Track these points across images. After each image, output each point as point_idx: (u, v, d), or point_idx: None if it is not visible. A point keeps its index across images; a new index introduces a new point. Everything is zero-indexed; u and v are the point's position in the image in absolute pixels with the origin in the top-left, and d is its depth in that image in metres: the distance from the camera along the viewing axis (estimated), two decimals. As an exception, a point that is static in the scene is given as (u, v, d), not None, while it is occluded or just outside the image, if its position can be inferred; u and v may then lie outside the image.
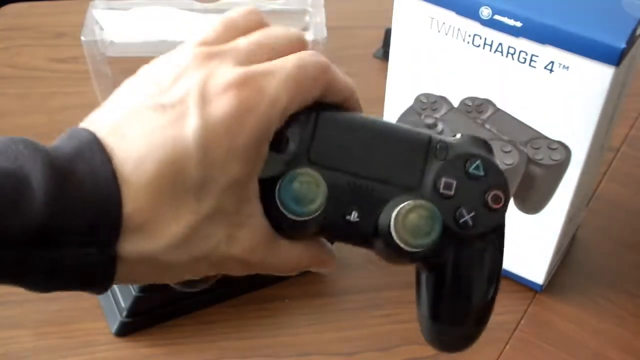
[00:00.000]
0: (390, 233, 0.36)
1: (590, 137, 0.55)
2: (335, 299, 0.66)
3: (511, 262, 0.66)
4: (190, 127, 0.32)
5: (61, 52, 0.91)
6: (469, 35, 0.55)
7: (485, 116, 0.59)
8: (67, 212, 0.30)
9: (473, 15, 0.54)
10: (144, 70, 0.35)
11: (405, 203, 0.36)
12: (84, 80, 0.84)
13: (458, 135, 0.39)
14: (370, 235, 0.37)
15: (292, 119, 0.36)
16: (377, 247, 0.38)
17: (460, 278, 0.40)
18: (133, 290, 0.58)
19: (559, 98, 0.54)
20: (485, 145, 0.39)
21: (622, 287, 0.67)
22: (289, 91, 0.34)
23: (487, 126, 0.59)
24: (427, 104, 0.61)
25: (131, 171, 0.31)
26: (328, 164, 0.37)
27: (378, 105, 0.65)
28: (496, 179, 0.37)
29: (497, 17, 0.53)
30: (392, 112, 0.64)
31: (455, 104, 0.60)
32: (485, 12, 0.54)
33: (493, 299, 0.41)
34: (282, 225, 0.37)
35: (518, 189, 0.61)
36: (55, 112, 0.83)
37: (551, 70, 0.53)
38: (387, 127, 0.39)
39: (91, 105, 0.81)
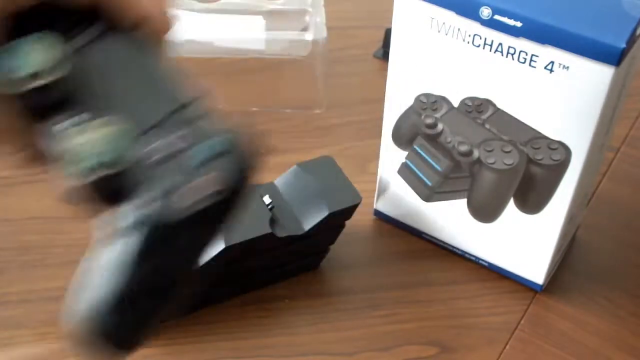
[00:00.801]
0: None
1: (590, 137, 0.55)
2: (335, 299, 0.66)
3: (511, 262, 0.66)
4: None
5: (61, 52, 0.91)
6: (469, 35, 0.55)
7: (485, 116, 0.59)
8: None
9: (473, 15, 0.54)
10: None
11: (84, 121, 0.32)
12: (84, 80, 0.84)
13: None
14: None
15: (82, 23, 0.33)
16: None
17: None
18: (133, 290, 0.58)
19: (559, 98, 0.54)
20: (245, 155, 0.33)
21: (622, 287, 0.67)
22: None
23: (487, 126, 0.59)
24: (427, 104, 0.61)
25: None
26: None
27: (378, 105, 0.65)
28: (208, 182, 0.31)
29: (497, 17, 0.53)
30: (392, 112, 0.64)
31: (455, 104, 0.60)
32: (485, 12, 0.54)
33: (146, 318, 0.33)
34: None
35: (518, 189, 0.61)
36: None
37: (551, 70, 0.53)
38: (156, 73, 0.35)
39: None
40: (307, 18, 0.86)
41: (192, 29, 0.80)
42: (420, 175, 0.66)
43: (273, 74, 0.89)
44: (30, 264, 0.66)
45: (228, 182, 0.32)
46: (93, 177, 0.31)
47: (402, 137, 0.65)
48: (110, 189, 0.32)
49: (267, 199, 0.61)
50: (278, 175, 0.63)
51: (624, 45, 0.50)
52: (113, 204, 0.32)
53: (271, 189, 0.63)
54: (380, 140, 0.67)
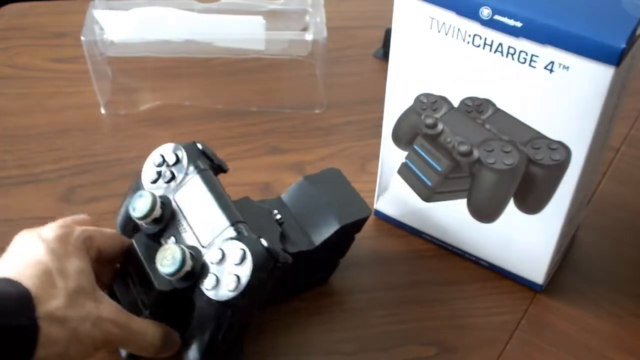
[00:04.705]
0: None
1: (590, 137, 0.55)
2: (335, 299, 0.66)
3: (511, 262, 0.66)
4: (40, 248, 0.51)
5: (61, 52, 0.92)
6: (469, 35, 0.55)
7: (485, 116, 0.59)
8: None
9: (473, 15, 0.54)
10: None
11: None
12: (84, 80, 0.84)
13: (264, 242, 0.52)
14: None
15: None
16: None
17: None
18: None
19: (559, 98, 0.54)
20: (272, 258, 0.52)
21: (622, 287, 0.67)
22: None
23: (487, 126, 0.59)
24: (427, 104, 0.61)
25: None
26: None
27: (378, 105, 0.65)
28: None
29: (497, 17, 0.53)
30: (392, 112, 0.64)
31: (455, 104, 0.60)
32: (485, 12, 0.54)
33: None
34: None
35: (518, 189, 0.61)
36: (55, 112, 0.83)
37: (551, 70, 0.53)
38: (211, 205, 0.55)
39: (91, 105, 0.82)
40: (307, 18, 0.86)
41: (192, 29, 0.80)
42: (420, 175, 0.66)
43: (273, 74, 0.89)
44: (30, 264, 0.66)
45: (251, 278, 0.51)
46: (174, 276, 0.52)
47: (402, 137, 0.65)
48: (185, 279, 0.53)
49: (277, 215, 0.59)
50: (277, 174, 0.63)
51: (624, 45, 0.50)
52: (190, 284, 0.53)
53: (278, 204, 0.61)
54: (380, 140, 0.67)
